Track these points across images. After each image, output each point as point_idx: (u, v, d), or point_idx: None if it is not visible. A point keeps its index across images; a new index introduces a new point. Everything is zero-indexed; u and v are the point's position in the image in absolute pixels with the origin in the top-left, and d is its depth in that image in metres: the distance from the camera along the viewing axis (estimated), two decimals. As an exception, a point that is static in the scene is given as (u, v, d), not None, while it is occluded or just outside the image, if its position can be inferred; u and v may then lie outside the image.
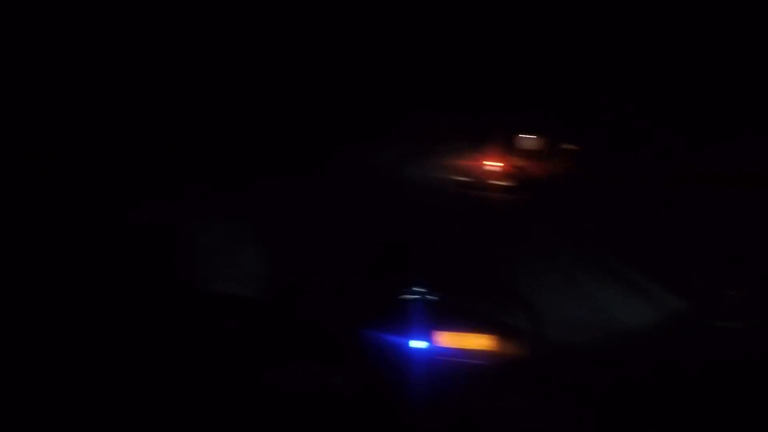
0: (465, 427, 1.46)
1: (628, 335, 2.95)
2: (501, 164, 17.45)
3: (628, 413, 1.48)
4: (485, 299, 1.72)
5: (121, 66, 12.67)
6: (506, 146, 20.75)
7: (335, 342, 1.52)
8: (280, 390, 1.48)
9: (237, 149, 15.75)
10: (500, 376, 1.52)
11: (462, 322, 1.61)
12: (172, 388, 1.35)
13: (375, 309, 1.67)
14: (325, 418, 1.43)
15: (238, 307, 1.54)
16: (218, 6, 16.18)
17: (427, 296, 1.68)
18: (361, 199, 10.54)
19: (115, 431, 1.31)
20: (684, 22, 12.93)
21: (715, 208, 8.57)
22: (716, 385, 1.44)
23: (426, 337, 1.57)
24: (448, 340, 1.58)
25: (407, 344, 1.54)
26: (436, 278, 1.76)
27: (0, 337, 1.42)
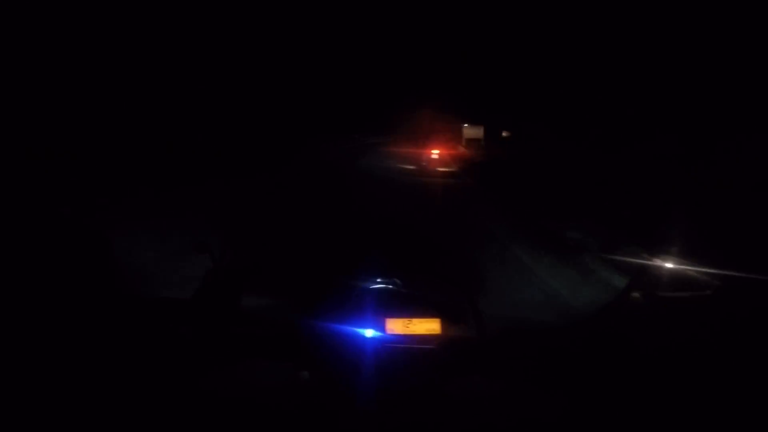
0: (419, 412, 1.45)
1: (578, 315, 3.02)
2: (438, 152, 18.05)
3: (580, 390, 1.49)
4: (431, 283, 1.70)
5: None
6: (452, 135, 21.43)
7: (288, 337, 1.47)
8: (230, 390, 1.42)
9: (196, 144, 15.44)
10: (449, 359, 1.50)
11: (409, 307, 1.58)
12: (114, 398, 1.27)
13: (323, 299, 1.63)
14: (297, 415, 1.41)
15: (179, 309, 1.46)
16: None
17: (376, 284, 1.65)
18: (308, 189, 10.48)
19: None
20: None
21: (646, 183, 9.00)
22: (664, 354, 1.46)
23: (375, 325, 1.53)
24: (396, 327, 1.55)
25: (358, 334, 1.50)
26: (385, 265, 1.72)
27: None
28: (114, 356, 1.26)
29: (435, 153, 18.46)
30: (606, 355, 1.52)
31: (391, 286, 1.62)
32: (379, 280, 1.60)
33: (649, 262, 1.61)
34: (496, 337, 1.59)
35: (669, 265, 1.58)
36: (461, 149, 20.84)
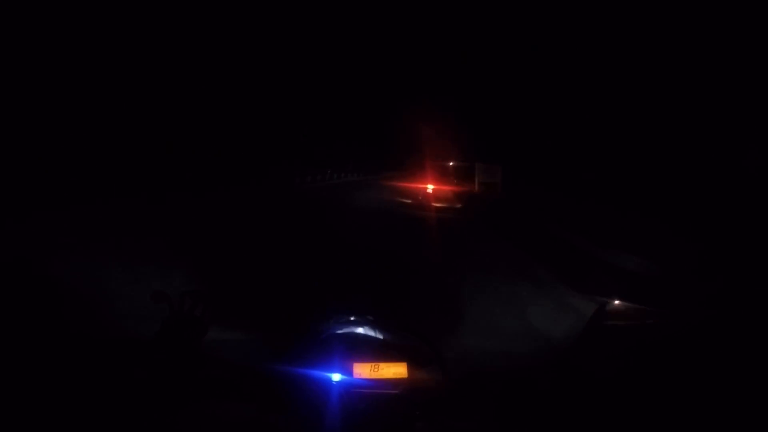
0: None
1: (550, 345, 3.08)
2: (433, 186, 18.01)
3: (546, 427, 1.53)
4: (399, 327, 1.75)
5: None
6: (447, 172, 20.82)
7: (253, 380, 1.51)
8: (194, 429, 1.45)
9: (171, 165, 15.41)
10: (416, 401, 1.54)
11: (376, 351, 1.62)
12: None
13: (291, 343, 1.67)
14: None
15: (136, 350, 1.50)
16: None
17: (344, 328, 1.69)
18: (278, 224, 10.50)
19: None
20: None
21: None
22: (625, 387, 1.53)
23: (342, 369, 1.57)
24: (364, 371, 1.59)
25: (325, 377, 1.53)
26: (356, 308, 1.77)
27: None
28: (63, 397, 1.30)
29: (430, 188, 18.51)
30: (571, 392, 1.58)
31: (358, 331, 1.66)
32: (344, 323, 1.65)
33: (606, 300, 1.72)
34: (461, 380, 1.65)
35: (618, 302, 1.71)
36: (462, 185, 19.83)
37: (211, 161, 17.96)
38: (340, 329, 1.65)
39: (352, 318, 1.70)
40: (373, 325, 1.67)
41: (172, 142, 16.25)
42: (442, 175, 20.09)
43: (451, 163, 21.62)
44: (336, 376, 1.53)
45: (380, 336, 1.65)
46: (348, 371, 1.56)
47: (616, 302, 1.73)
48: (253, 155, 21.09)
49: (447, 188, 19.09)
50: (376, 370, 1.58)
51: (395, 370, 1.59)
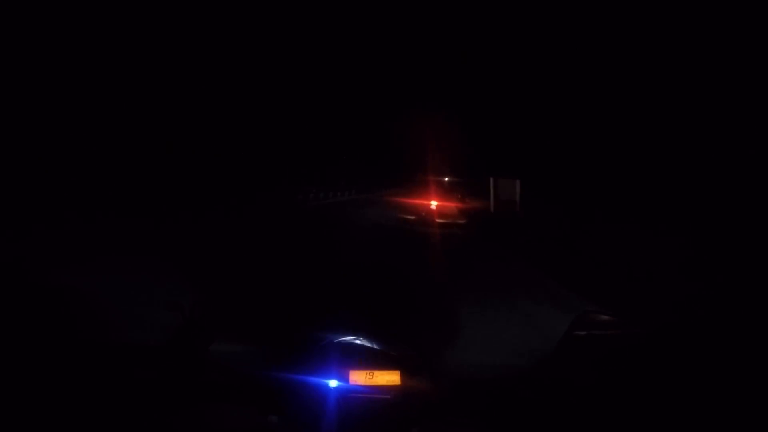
0: None
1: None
2: (436, 203, 17.83)
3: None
4: (394, 337, 1.85)
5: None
6: (449, 187, 20.54)
7: (254, 385, 1.61)
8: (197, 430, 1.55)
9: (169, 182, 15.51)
10: (408, 408, 1.64)
11: (371, 360, 1.72)
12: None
13: (291, 351, 1.78)
14: None
15: (143, 355, 1.61)
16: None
17: (342, 338, 1.80)
18: (281, 238, 10.61)
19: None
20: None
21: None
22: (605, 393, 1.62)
23: (339, 376, 1.67)
24: (359, 378, 1.69)
25: (322, 384, 1.64)
26: (350, 320, 1.88)
27: None
28: (73, 397, 1.41)
29: (433, 204, 18.28)
30: (550, 400, 1.67)
31: (355, 341, 1.78)
32: (341, 334, 1.76)
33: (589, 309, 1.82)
34: (451, 388, 1.75)
35: (593, 312, 1.81)
36: (467, 202, 19.42)
37: (210, 169, 17.95)
38: (338, 339, 1.76)
39: (349, 328, 1.81)
40: (368, 336, 1.78)
41: (172, 142, 16.36)
42: (446, 191, 19.93)
43: (455, 179, 21.20)
44: (333, 383, 1.65)
45: (375, 346, 1.76)
46: (344, 378, 1.67)
47: (592, 312, 1.83)
48: (250, 170, 21.09)
49: (451, 204, 18.83)
50: (371, 377, 1.69)
51: (389, 378, 1.70)
